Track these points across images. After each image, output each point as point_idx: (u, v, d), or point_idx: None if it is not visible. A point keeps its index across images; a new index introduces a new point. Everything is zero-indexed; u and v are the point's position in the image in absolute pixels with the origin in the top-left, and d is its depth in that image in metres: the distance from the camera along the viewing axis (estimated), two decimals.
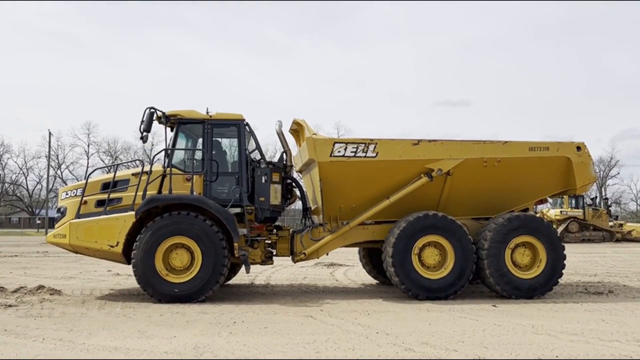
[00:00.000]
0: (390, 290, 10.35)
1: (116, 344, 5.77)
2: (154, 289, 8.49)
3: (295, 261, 9.78)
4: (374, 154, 9.32)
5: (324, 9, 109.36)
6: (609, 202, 39.50)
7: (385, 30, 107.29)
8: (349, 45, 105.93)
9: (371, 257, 11.42)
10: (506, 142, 9.66)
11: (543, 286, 9.14)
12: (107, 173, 10.48)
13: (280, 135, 9.89)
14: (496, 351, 5.48)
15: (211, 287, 8.56)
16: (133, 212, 8.69)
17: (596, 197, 44.67)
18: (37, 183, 72.05)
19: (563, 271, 9.27)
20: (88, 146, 71.42)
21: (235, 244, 8.74)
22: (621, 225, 34.17)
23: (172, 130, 9.32)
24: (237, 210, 9.11)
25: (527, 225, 9.21)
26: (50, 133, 55.50)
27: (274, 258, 9.79)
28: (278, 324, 6.87)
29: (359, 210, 9.66)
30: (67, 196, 9.32)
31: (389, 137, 9.54)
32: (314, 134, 9.64)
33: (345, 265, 14.98)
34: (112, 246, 8.69)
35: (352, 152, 9.28)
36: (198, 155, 9.23)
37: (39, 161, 71.24)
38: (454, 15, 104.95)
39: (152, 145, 70.93)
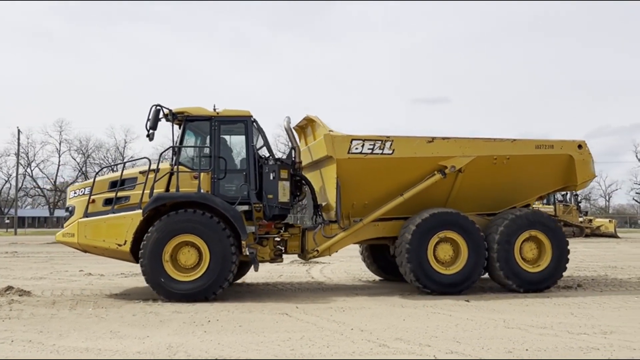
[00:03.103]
0: (366, 287, 10.43)
1: (87, 344, 5.68)
2: (162, 288, 8.44)
3: (307, 259, 9.81)
4: (391, 151, 9.40)
5: (300, 5, 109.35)
6: (579, 199, 40.39)
7: (364, 27, 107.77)
8: (327, 42, 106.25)
9: (374, 254, 11.48)
10: (514, 140, 9.90)
11: (549, 279, 9.51)
12: (113, 172, 10.30)
13: (289, 131, 9.88)
14: (468, 345, 5.56)
15: (220, 285, 8.50)
16: (140, 211, 8.62)
17: (567, 193, 45.66)
18: (6, 182, 70.32)
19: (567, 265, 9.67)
20: (60, 144, 70.07)
21: (243, 242, 8.70)
22: (590, 220, 35.01)
23: (179, 128, 9.25)
24: (245, 207, 9.07)
25: (535, 220, 9.57)
26: (19, 130, 54.40)
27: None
28: (253, 322, 6.86)
29: (370, 208, 9.71)
30: (75, 195, 9.27)
31: (403, 135, 9.63)
32: (330, 130, 9.60)
33: (322, 263, 15.01)
34: (119, 245, 8.64)
35: (369, 149, 9.34)
36: (205, 152, 9.15)
37: (7, 159, 69.58)
38: (431, 12, 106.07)
39: (125, 142, 69.91)
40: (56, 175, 71.53)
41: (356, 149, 9.28)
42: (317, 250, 9.54)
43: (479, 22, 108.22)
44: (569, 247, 9.70)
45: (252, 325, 6.63)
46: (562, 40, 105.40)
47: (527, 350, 5.39)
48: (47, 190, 72.48)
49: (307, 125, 10.54)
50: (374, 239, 10.13)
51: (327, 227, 9.67)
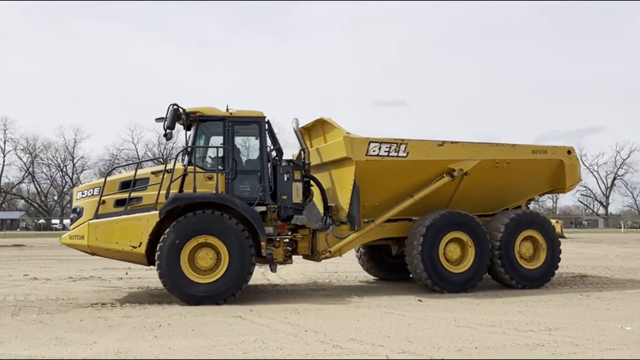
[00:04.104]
0: (322, 288, 10.44)
1: (30, 352, 5.44)
2: (180, 291, 8.26)
3: (320, 260, 9.81)
4: (405, 154, 9.64)
5: (259, 5, 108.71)
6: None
7: (322, 29, 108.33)
8: (285, 43, 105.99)
9: (372, 254, 11.66)
10: (514, 145, 10.42)
11: (544, 276, 10.14)
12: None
13: (298, 133, 9.95)
14: (420, 345, 5.65)
15: (239, 286, 8.41)
16: (156, 212, 8.42)
17: None
18: None
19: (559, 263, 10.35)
20: (4, 143, 67.22)
21: (262, 243, 8.69)
22: None
23: (188, 129, 9.18)
24: (263, 208, 8.99)
25: (533, 221, 10.21)
26: None
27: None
28: (205, 325, 6.74)
29: (380, 209, 9.92)
30: (83, 196, 8.97)
31: (416, 138, 9.86)
32: (347, 132, 9.64)
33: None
34: (134, 247, 8.42)
35: (385, 151, 9.52)
36: (220, 153, 9.07)
37: None
38: (389, 16, 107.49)
39: (75, 142, 67.67)
40: (0, 175, 68.52)
41: (373, 151, 9.46)
42: (329, 251, 9.64)
43: (437, 27, 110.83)
44: (560, 246, 10.34)
45: (205, 329, 6.52)
46: (514, 46, 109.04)
47: (476, 348, 5.52)
48: None
49: (314, 127, 10.65)
50: (380, 240, 10.35)
51: (338, 228, 9.79)
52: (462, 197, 10.28)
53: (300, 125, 10.11)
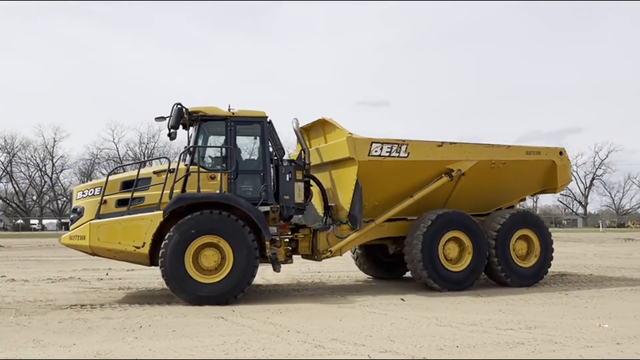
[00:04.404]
0: (304, 288, 10.43)
1: (7, 355, 5.34)
2: (184, 291, 8.24)
3: (320, 259, 9.85)
4: (406, 154, 9.76)
5: (242, 4, 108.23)
6: None
7: (305, 29, 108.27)
8: (268, 43, 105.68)
9: (368, 254, 11.76)
10: (509, 146, 10.64)
11: (538, 274, 10.39)
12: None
13: (298, 133, 10.07)
14: (402, 344, 5.67)
15: (243, 287, 8.42)
16: (159, 212, 8.36)
17: None
18: None
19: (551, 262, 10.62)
20: None
21: (267, 243, 8.71)
22: None
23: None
24: (267, 208, 9.00)
25: (527, 220, 10.49)
26: None
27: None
28: (187, 326, 6.69)
29: (380, 209, 10.00)
30: (84, 196, 8.86)
31: (416, 139, 9.98)
32: (349, 133, 9.67)
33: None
34: (137, 247, 8.35)
35: (387, 152, 9.62)
36: (223, 153, 9.06)
37: None
38: (372, 16, 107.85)
39: (55, 141, 66.67)
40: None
41: (375, 151, 9.55)
42: (330, 251, 9.69)
43: (421, 28, 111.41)
44: (553, 245, 10.63)
45: (186, 330, 6.46)
46: (497, 46, 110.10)
47: (457, 347, 5.56)
48: None
49: (313, 127, 10.69)
50: (377, 240, 10.42)
51: (338, 228, 9.84)
52: (458, 197, 10.45)
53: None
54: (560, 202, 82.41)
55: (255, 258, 8.49)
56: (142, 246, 8.35)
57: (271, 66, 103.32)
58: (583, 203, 78.27)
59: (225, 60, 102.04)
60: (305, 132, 10.83)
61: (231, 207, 8.58)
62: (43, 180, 69.68)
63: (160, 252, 8.24)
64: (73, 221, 8.84)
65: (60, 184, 69.79)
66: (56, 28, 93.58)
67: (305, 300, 8.84)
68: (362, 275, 12.33)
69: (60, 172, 69.25)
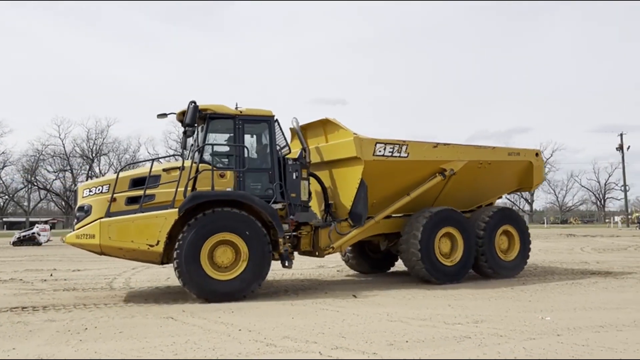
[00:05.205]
0: (264, 286, 10.33)
1: None
2: (200, 288, 8.24)
3: (322, 255, 10.09)
4: (406, 154, 10.18)
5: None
6: None
7: (261, 26, 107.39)
8: (222, 39, 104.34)
9: (358, 250, 12.11)
10: (494, 147, 11.34)
11: (519, 266, 11.21)
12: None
13: (299, 132, 10.30)
14: (353, 340, 5.72)
15: (258, 283, 8.57)
16: (173, 210, 8.28)
17: None
18: None
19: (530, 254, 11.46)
20: None
21: (280, 240, 8.84)
22: None
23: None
24: (279, 206, 9.12)
25: (508, 216, 11.24)
26: None
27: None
28: (135, 327, 6.51)
29: (377, 206, 10.33)
30: (91, 193, 8.63)
31: (414, 140, 10.41)
32: (355, 133, 9.85)
33: None
34: (151, 245, 8.23)
35: (389, 152, 9.98)
36: (231, 150, 9.11)
37: None
38: (329, 15, 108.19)
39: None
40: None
41: (379, 151, 9.88)
42: (332, 247, 9.94)
43: (377, 28, 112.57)
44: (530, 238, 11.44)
45: (134, 331, 6.29)
46: (449, 47, 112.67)
47: (407, 342, 5.65)
48: None
49: (312, 127, 10.81)
50: (372, 236, 10.72)
51: (339, 225, 10.09)
52: (447, 195, 11.01)
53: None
54: (508, 199, 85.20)
55: (270, 254, 8.64)
56: (157, 244, 8.26)
57: (226, 61, 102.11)
58: (529, 200, 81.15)
59: (179, 55, 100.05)
60: (303, 131, 10.91)
61: (243, 204, 8.64)
62: None
63: (175, 250, 8.21)
64: (79, 219, 8.55)
65: (1, 182, 66.67)
66: None
67: (258, 298, 8.78)
68: (317, 273, 12.36)
69: (2, 169, 66.15)
